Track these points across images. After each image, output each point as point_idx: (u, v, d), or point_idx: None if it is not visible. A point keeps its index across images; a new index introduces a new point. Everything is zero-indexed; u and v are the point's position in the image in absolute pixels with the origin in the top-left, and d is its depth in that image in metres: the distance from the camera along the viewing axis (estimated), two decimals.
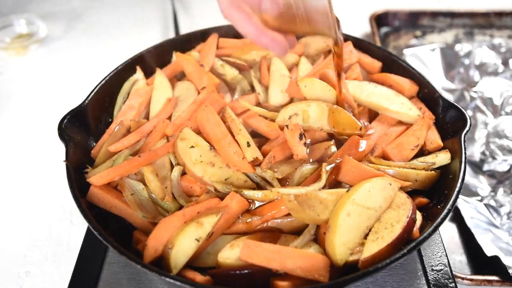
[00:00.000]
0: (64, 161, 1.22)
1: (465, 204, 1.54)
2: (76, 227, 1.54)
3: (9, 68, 2.22)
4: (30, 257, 1.46)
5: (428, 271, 1.24)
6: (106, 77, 1.48)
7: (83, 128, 1.36)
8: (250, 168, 1.22)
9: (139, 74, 1.57)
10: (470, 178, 1.66)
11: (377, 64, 1.58)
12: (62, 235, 1.52)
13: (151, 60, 1.60)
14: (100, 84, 1.45)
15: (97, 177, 1.23)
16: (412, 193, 1.23)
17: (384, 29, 2.39)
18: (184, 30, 2.31)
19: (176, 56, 1.61)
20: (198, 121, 1.34)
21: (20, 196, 1.65)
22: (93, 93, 1.41)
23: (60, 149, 1.24)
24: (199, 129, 1.35)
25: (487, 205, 1.55)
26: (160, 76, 1.54)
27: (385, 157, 1.31)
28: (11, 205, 1.62)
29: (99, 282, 1.23)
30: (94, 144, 1.39)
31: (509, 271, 1.30)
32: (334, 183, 1.22)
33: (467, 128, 1.25)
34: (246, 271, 1.04)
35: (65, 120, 1.29)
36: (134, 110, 1.45)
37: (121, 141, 1.34)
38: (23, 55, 2.28)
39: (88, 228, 1.36)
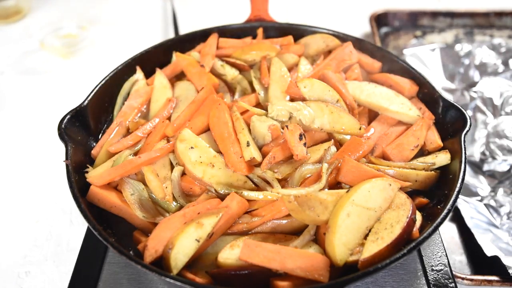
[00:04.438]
0: (64, 161, 1.22)
1: (465, 204, 1.54)
2: (76, 227, 1.54)
3: (9, 69, 2.22)
4: (30, 257, 1.46)
5: (428, 271, 1.24)
6: (106, 77, 1.48)
7: (83, 128, 1.36)
8: (245, 169, 1.21)
9: (139, 74, 1.56)
10: (470, 178, 1.66)
11: (377, 64, 1.58)
12: (62, 235, 1.52)
13: (151, 60, 1.60)
14: (100, 84, 1.45)
15: (97, 177, 1.23)
16: (412, 193, 1.23)
17: (384, 29, 2.39)
18: (184, 30, 2.31)
19: (176, 56, 1.61)
20: (209, 118, 1.34)
21: (20, 196, 1.65)
22: (92, 93, 1.41)
23: (60, 149, 1.24)
24: (199, 129, 1.35)
25: (487, 205, 1.54)
26: (160, 76, 1.54)
27: (385, 157, 1.31)
28: (11, 205, 1.62)
29: (99, 282, 1.23)
30: (94, 144, 1.39)
31: (509, 271, 1.30)
32: (334, 183, 1.22)
33: (467, 128, 1.25)
34: (246, 271, 1.04)
35: (65, 120, 1.29)
36: (134, 110, 1.45)
37: (121, 142, 1.34)
38: (68, 59, 2.29)
39: (88, 228, 1.36)
